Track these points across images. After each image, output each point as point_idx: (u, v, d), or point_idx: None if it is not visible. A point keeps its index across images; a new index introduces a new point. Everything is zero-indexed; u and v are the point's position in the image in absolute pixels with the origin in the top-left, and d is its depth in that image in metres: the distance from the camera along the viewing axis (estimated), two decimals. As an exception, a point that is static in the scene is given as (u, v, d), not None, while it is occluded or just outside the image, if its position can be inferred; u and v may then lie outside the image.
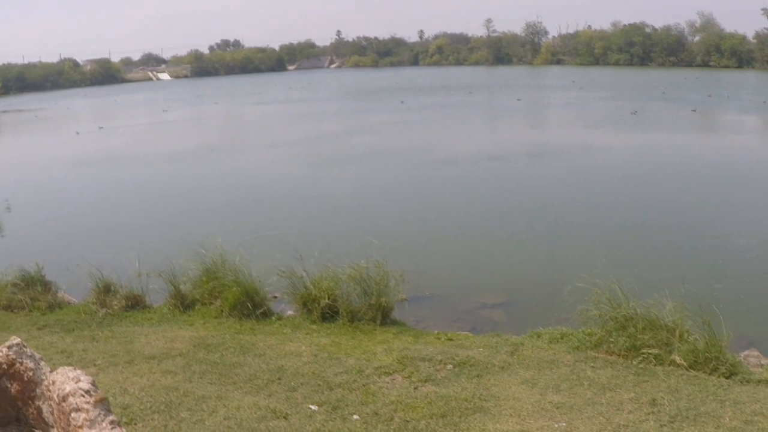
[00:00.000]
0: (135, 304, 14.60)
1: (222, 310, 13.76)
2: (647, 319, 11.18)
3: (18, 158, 48.63)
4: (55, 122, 74.49)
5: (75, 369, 3.72)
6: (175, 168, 38.41)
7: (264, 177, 34.46)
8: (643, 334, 10.96)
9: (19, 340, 4.35)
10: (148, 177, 36.30)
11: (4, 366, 4.37)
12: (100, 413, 3.42)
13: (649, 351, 10.63)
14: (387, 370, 10.50)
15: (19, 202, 32.11)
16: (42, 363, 4.25)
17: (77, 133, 58.66)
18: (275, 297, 14.58)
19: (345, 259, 14.59)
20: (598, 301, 11.85)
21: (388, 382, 10.09)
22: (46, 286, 15.57)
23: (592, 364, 10.60)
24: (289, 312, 14.08)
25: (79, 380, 3.54)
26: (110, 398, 9.31)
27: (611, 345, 11.11)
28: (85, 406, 3.42)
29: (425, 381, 10.12)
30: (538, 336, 12.14)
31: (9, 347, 4.35)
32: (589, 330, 11.72)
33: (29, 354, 4.29)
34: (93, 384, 3.51)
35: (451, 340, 12.36)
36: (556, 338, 11.92)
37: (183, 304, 14.30)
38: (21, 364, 4.28)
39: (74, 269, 17.14)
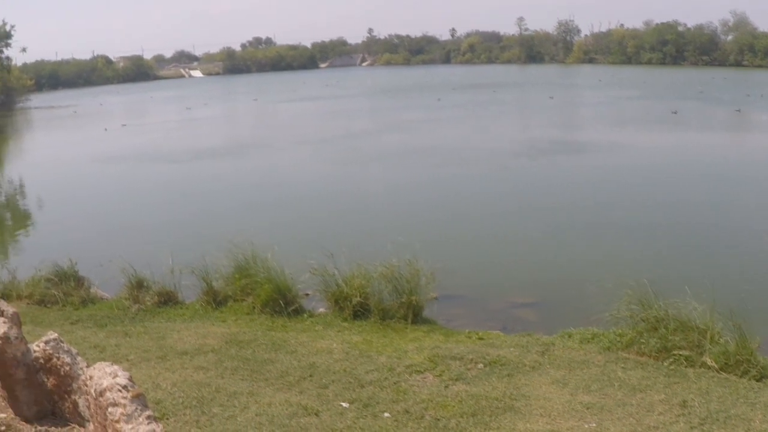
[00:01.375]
0: (167, 300, 14.68)
1: (254, 307, 13.78)
2: (678, 320, 11.11)
3: (49, 155, 49.08)
4: (88, 118, 75.00)
5: (112, 364, 3.75)
6: (205, 165, 38.64)
7: (296, 174, 34.49)
8: (674, 335, 10.88)
9: (56, 335, 4.40)
10: (178, 174, 36.60)
11: (41, 360, 4.41)
12: (137, 408, 3.45)
13: (680, 353, 10.54)
14: (418, 369, 10.48)
15: (50, 198, 32.46)
16: (78, 358, 4.29)
17: (105, 130, 59.05)
18: (307, 294, 14.58)
19: (374, 257, 14.63)
20: (629, 302, 11.82)
21: (419, 381, 10.07)
22: (79, 281, 15.69)
23: (622, 365, 10.53)
24: (321, 309, 14.08)
25: (116, 375, 3.57)
26: (143, 393, 9.41)
27: (642, 346, 11.01)
28: (122, 401, 3.45)
29: (456, 380, 10.08)
30: (569, 336, 12.06)
31: (46, 342, 4.39)
32: (620, 330, 11.65)
33: (66, 349, 4.33)
34: (130, 379, 3.55)
35: (482, 339, 12.31)
36: (587, 338, 11.84)
37: (215, 300, 14.34)
38: (58, 358, 4.32)
39: (107, 265, 17.33)
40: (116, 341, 12.05)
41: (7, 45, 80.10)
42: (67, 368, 4.26)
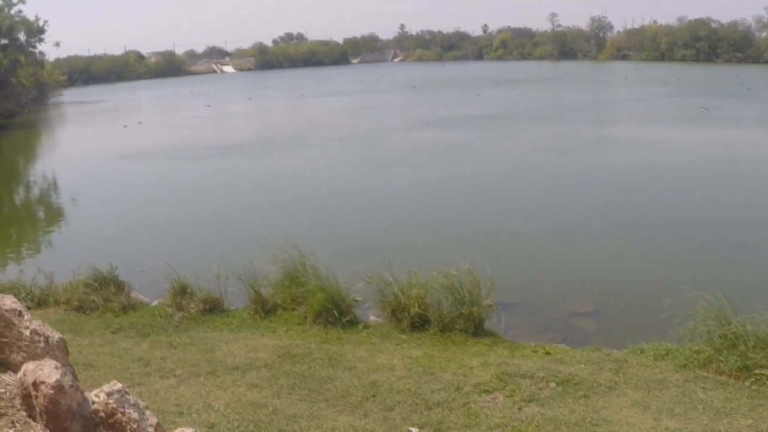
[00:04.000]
0: (212, 307, 13.99)
1: (306, 317, 13.09)
2: (757, 337, 10.38)
3: (81, 151, 48.92)
4: (121, 114, 74.70)
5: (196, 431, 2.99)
6: (237, 163, 38.02)
7: (333, 173, 33.62)
8: (755, 352, 10.16)
9: (120, 386, 3.64)
10: (211, 171, 35.93)
11: (102, 414, 3.66)
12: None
13: (762, 372, 9.85)
14: (486, 388, 9.78)
15: (82, 195, 32.11)
16: (147, 412, 3.54)
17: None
18: (356, 300, 13.86)
19: (415, 262, 14.09)
20: (706, 317, 11.05)
21: (489, 401, 9.39)
22: (119, 286, 15.04)
23: (702, 385, 9.83)
24: (372, 317, 13.45)
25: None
26: (194, 415, 8.71)
27: (721, 364, 10.31)
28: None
29: (529, 401, 9.40)
30: (641, 352, 11.35)
31: (109, 394, 3.64)
32: (696, 347, 10.92)
33: (132, 402, 3.58)
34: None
35: (549, 354, 11.56)
36: (661, 355, 11.13)
37: (264, 309, 13.65)
38: (123, 414, 3.57)
39: (147, 269, 16.71)
40: (161, 353, 11.43)
41: (41, 40, 79.85)
42: (134, 426, 3.52)
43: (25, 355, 5.18)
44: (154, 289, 15.51)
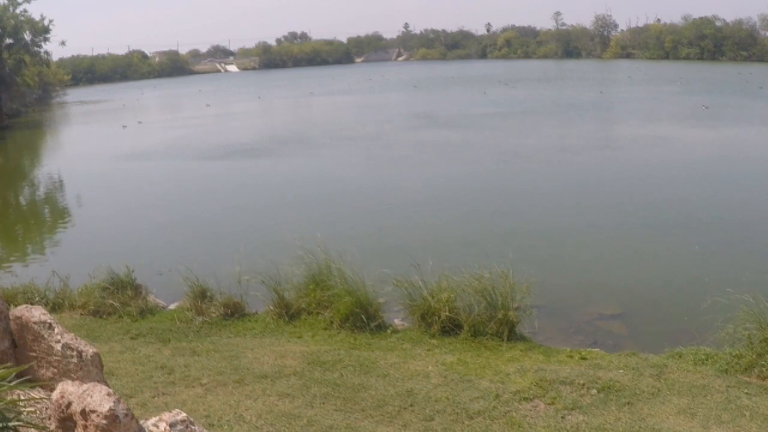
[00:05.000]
0: (233, 311, 13.57)
1: (332, 322, 12.66)
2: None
3: (86, 151, 48.50)
4: (127, 113, 74.46)
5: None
6: (249, 163, 37.50)
7: (346, 173, 33.14)
8: (797, 357, 9.78)
9: (184, 415, 3.23)
10: (217, 171, 35.54)
11: (163, 446, 3.21)
12: None
13: (807, 377, 9.45)
14: (526, 395, 9.40)
15: (88, 196, 31.81)
16: (214, 444, 3.10)
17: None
18: (379, 302, 13.39)
19: (437, 262, 13.73)
20: (744, 320, 10.68)
21: (530, 410, 9.02)
22: (136, 290, 14.60)
23: (746, 391, 9.47)
24: (396, 320, 13.02)
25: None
26: (225, 427, 8.28)
27: (763, 369, 9.95)
28: None
29: (571, 408, 9.02)
30: (680, 356, 10.96)
31: (171, 425, 3.21)
32: (737, 351, 10.58)
33: (198, 432, 3.13)
34: None
35: (585, 359, 11.14)
36: (701, 359, 10.75)
37: (288, 313, 13.21)
38: (188, 446, 3.11)
39: (165, 272, 16.35)
40: (184, 360, 11.02)
41: (46, 40, 79.39)
42: (201, 460, 3.07)
43: (55, 370, 4.80)
44: (170, 292, 15.13)
